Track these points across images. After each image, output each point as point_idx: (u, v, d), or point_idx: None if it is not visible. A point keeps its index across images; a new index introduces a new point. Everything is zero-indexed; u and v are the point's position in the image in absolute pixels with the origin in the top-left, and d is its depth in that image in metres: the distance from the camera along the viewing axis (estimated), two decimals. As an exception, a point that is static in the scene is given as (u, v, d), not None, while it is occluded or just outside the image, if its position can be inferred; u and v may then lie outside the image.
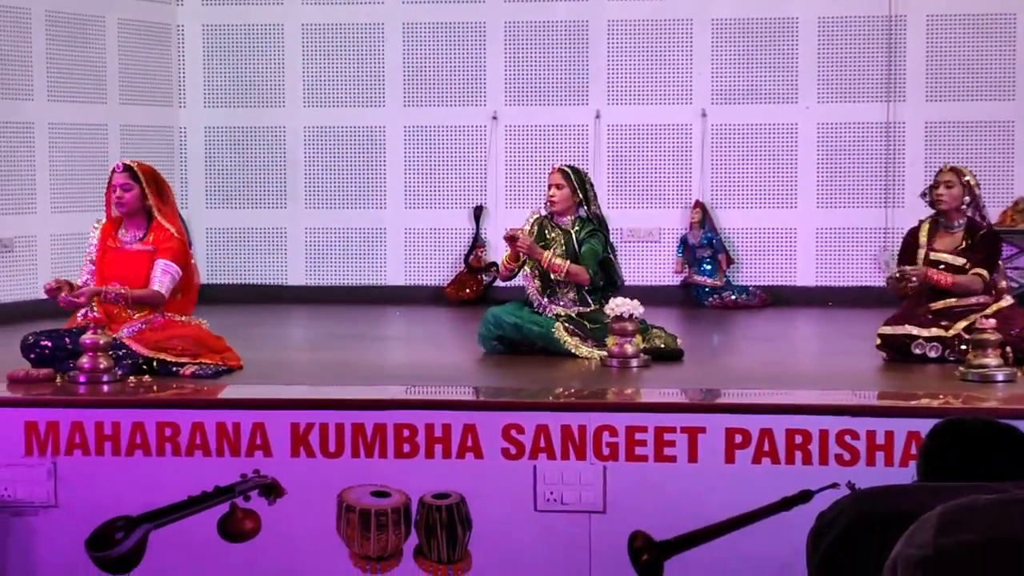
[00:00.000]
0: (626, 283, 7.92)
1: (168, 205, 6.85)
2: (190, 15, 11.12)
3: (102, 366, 6.13)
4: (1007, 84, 10.56)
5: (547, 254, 7.49)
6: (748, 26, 10.77)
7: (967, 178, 7.24)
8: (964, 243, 7.19)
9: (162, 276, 6.62)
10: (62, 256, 9.89)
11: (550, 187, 7.67)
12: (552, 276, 7.52)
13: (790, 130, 10.79)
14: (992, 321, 6.52)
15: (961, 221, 7.24)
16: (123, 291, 6.55)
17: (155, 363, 6.44)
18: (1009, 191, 10.50)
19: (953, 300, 7.10)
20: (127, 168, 6.78)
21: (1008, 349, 6.57)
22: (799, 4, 10.73)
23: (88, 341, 6.13)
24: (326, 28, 11.09)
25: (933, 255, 7.19)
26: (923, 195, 7.47)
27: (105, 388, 6.06)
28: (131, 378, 6.30)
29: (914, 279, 7.06)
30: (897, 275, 7.13)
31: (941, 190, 7.21)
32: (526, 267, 7.66)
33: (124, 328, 6.54)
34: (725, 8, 10.78)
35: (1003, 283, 7.32)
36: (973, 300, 7.09)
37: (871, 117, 10.70)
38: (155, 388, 6.17)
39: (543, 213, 7.71)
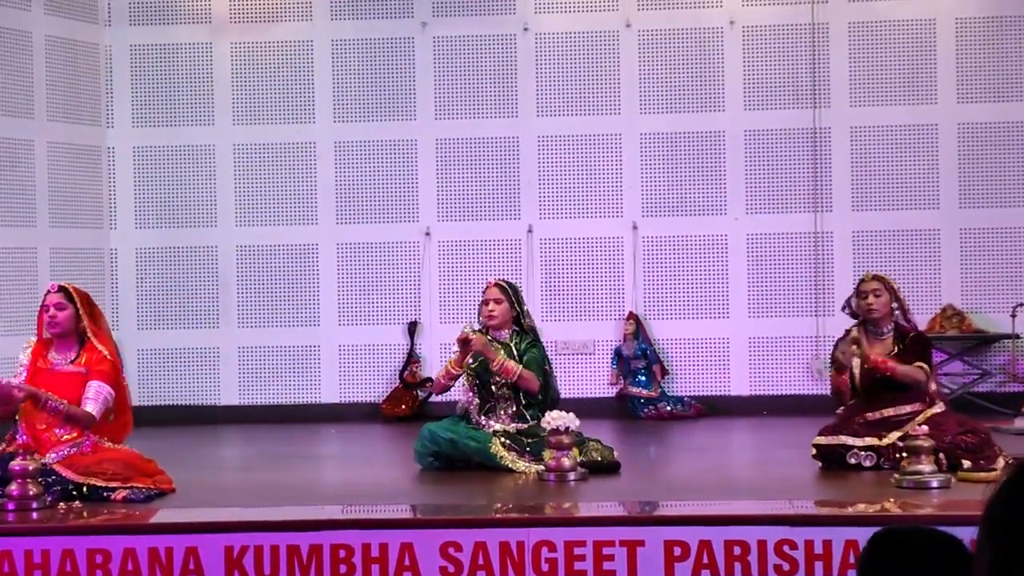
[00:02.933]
0: (561, 396, 7.91)
1: (101, 329, 6.81)
2: (120, 137, 11.12)
3: (31, 493, 6.03)
4: (931, 192, 10.76)
5: (500, 357, 7.47)
6: (676, 140, 10.92)
7: (891, 284, 7.34)
8: (896, 348, 7.24)
9: (95, 397, 6.53)
10: (-10, 381, 9.73)
11: (488, 302, 7.66)
12: (493, 388, 7.49)
13: (720, 241, 10.91)
14: (924, 428, 6.58)
15: (890, 327, 7.31)
16: (61, 404, 6.44)
17: (85, 488, 6.34)
18: (937, 298, 10.65)
19: (890, 411, 7.13)
20: (62, 288, 6.74)
21: (941, 455, 6.62)
22: (725, 118, 10.91)
23: (17, 468, 6.03)
24: (257, 148, 11.11)
25: (868, 364, 7.18)
26: (844, 307, 7.52)
27: (34, 515, 5.96)
28: (61, 504, 6.18)
29: (856, 346, 7.06)
30: (851, 344, 7.08)
31: (871, 299, 7.26)
32: (464, 381, 7.63)
33: (52, 453, 6.44)
34: (653, 123, 10.93)
35: (933, 387, 7.35)
36: (907, 409, 7.12)
37: (799, 227, 10.84)
38: (85, 514, 6.05)
39: (476, 327, 7.69)
